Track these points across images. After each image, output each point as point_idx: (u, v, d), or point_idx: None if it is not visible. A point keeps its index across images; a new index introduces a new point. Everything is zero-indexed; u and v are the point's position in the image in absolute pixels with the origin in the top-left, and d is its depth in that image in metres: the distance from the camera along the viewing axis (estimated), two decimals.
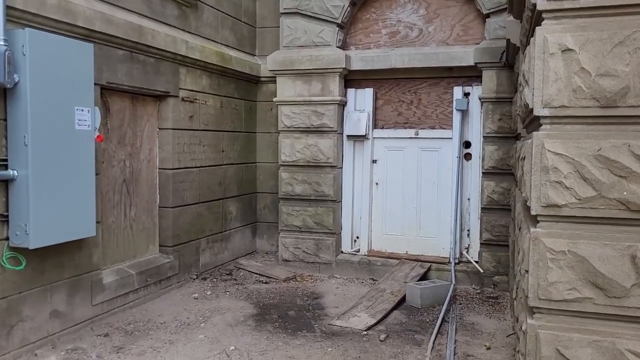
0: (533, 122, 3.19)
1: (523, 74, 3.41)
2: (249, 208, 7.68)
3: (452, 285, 5.89)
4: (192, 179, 6.28)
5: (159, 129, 5.90)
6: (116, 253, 5.35)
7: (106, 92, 5.09)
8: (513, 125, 5.90)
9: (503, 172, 6.22)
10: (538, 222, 2.96)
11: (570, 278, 2.86)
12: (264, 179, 7.88)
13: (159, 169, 5.91)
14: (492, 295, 6.01)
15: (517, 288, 3.88)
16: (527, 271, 3.03)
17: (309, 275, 6.81)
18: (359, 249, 7.07)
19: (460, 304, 5.73)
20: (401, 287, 5.89)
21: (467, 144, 6.64)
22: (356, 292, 6.11)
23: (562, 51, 2.84)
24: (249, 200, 7.69)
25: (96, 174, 4.67)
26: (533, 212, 2.94)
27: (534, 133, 2.94)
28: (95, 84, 4.63)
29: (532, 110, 2.97)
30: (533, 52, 2.95)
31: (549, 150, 2.87)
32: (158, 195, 5.92)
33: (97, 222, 4.74)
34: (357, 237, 7.12)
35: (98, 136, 4.67)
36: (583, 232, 2.87)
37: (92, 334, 4.71)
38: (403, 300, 5.68)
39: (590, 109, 2.83)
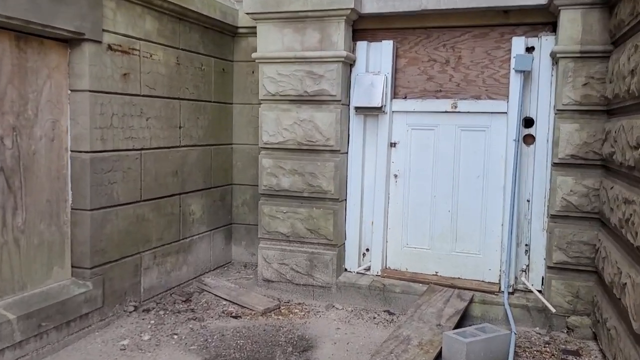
0: None
1: None
2: (220, 206, 5.68)
3: (513, 335, 3.89)
4: (128, 166, 4.28)
5: (71, 90, 3.88)
6: None
7: None
8: (611, 93, 3.87)
9: (588, 163, 4.20)
10: None
11: None
12: (242, 167, 5.87)
13: (71, 151, 3.92)
14: (569, 349, 4.02)
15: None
16: None
17: (299, 305, 4.83)
18: (369, 267, 5.08)
19: None
20: (434, 335, 3.91)
21: (529, 122, 4.60)
22: (366, 339, 4.13)
23: None
24: (221, 195, 5.69)
25: None
26: None
27: None
28: None
29: None
30: None
31: None
32: (70, 192, 3.93)
33: None
34: (367, 250, 5.13)
35: None
36: None
37: None
38: (438, 357, 3.71)
39: None
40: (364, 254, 5.14)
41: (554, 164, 4.34)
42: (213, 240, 5.56)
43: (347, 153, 5.05)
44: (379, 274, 5.02)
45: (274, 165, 5.01)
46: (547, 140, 4.49)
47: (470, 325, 4.35)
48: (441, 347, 3.74)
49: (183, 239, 5.06)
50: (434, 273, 4.92)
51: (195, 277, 5.26)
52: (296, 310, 4.69)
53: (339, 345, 4.00)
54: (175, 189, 4.89)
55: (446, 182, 4.86)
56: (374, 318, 4.57)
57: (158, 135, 4.62)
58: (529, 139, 4.62)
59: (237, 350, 3.85)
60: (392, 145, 4.99)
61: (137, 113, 4.36)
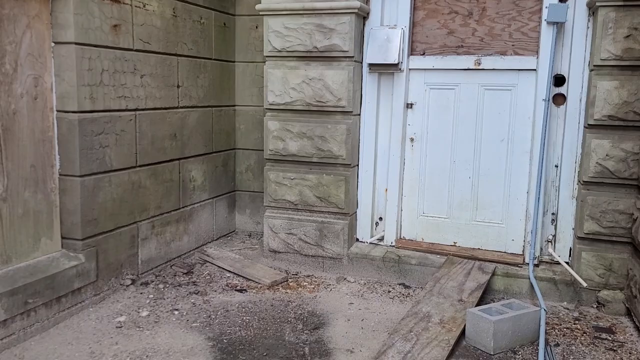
0: None
1: None
2: (223, 172, 5.33)
3: (543, 312, 3.58)
4: (121, 129, 3.90)
5: (54, 43, 3.48)
6: None
7: None
8: None
9: (627, 125, 3.81)
10: None
11: None
12: (246, 130, 5.49)
13: (57, 111, 3.54)
14: (601, 326, 3.71)
15: None
16: None
17: (308, 277, 4.53)
18: (383, 237, 4.75)
19: (557, 343, 3.45)
20: (456, 311, 3.60)
21: (559, 80, 4.20)
22: (382, 315, 3.83)
23: None
24: (224, 160, 5.33)
25: None
26: None
27: None
28: None
29: None
30: None
31: None
32: (57, 157, 3.57)
33: None
34: (380, 219, 4.79)
35: None
36: None
37: None
38: (461, 336, 3.41)
39: None
40: (376, 223, 4.81)
41: (588, 126, 3.96)
42: (215, 208, 5.23)
43: (359, 115, 4.66)
44: (393, 244, 4.69)
45: (280, 128, 4.63)
46: (580, 100, 4.10)
47: (492, 300, 4.07)
48: (465, 325, 3.44)
49: (183, 207, 4.72)
50: (453, 244, 4.59)
51: (197, 248, 4.95)
52: (305, 284, 4.39)
53: (352, 322, 3.70)
54: (174, 153, 4.53)
55: (467, 146, 4.48)
56: (389, 292, 4.26)
57: (154, 95, 4.23)
58: (559, 99, 4.22)
59: (242, 327, 3.56)
60: (409, 106, 4.59)
61: (130, 70, 3.96)
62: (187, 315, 3.72)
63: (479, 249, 4.51)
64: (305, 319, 3.72)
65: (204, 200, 5.02)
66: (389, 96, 4.61)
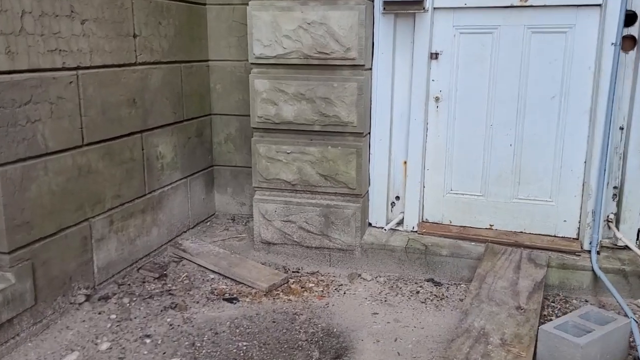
0: None
1: None
2: (198, 144, 4.30)
3: (635, 324, 2.76)
4: (58, 95, 2.83)
5: None
6: None
7: None
8: None
9: None
10: None
11: None
12: (223, 91, 4.44)
13: None
14: None
15: None
16: None
17: (312, 275, 3.63)
18: (402, 221, 3.86)
19: None
20: (518, 324, 2.76)
21: (630, 19, 3.28)
22: (418, 330, 2.96)
23: None
24: (198, 130, 4.30)
25: None
26: None
27: None
28: None
29: None
30: None
31: None
32: None
33: None
34: (397, 199, 3.88)
35: None
36: None
37: None
38: None
39: None
40: (392, 204, 3.90)
41: None
42: (190, 189, 4.23)
43: (371, 70, 3.67)
44: (415, 229, 3.81)
45: (271, 88, 3.61)
46: None
47: (547, 299, 3.24)
48: (534, 347, 2.61)
49: (150, 192, 3.71)
50: (489, 226, 3.73)
51: (169, 241, 3.97)
52: (311, 285, 3.49)
53: (383, 344, 2.82)
54: (134, 125, 3.48)
55: (507, 106, 3.56)
56: (418, 292, 3.40)
57: (102, 48, 3.14)
58: (627, 43, 3.31)
59: None
60: (434, 56, 3.62)
61: (66, 12, 2.85)
62: (162, 344, 2.78)
63: (522, 232, 3.67)
64: (320, 341, 2.83)
65: (175, 181, 4.01)
66: (408, 44, 3.62)
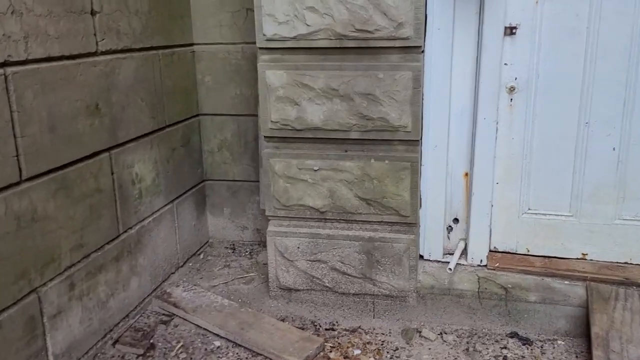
0: None
1: None
2: (185, 155, 3.27)
3: None
4: None
5: None
6: None
7: None
8: None
9: None
10: None
11: None
12: (215, 84, 3.40)
13: None
14: None
15: None
16: None
17: (353, 333, 2.68)
18: (465, 250, 2.93)
19: None
20: None
21: None
22: None
23: None
24: (184, 136, 3.26)
25: None
26: None
27: None
28: None
29: None
30: None
31: None
32: None
33: None
34: (455, 221, 2.95)
35: None
36: None
37: None
38: None
39: None
40: (449, 228, 2.96)
41: None
42: (178, 216, 3.21)
43: (424, 52, 2.69)
44: (484, 262, 2.89)
45: (290, 82, 2.60)
46: None
47: None
48: None
49: (125, 231, 2.68)
50: (581, 256, 2.84)
51: (154, 290, 2.97)
52: (356, 351, 2.54)
53: None
54: (98, 141, 2.44)
55: (610, 97, 2.64)
56: (505, 358, 2.49)
57: (44, 32, 2.08)
58: None
59: None
60: (508, 31, 2.66)
61: None
62: None
63: (628, 263, 2.78)
64: None
65: (158, 210, 2.99)
66: (472, 16, 2.65)
